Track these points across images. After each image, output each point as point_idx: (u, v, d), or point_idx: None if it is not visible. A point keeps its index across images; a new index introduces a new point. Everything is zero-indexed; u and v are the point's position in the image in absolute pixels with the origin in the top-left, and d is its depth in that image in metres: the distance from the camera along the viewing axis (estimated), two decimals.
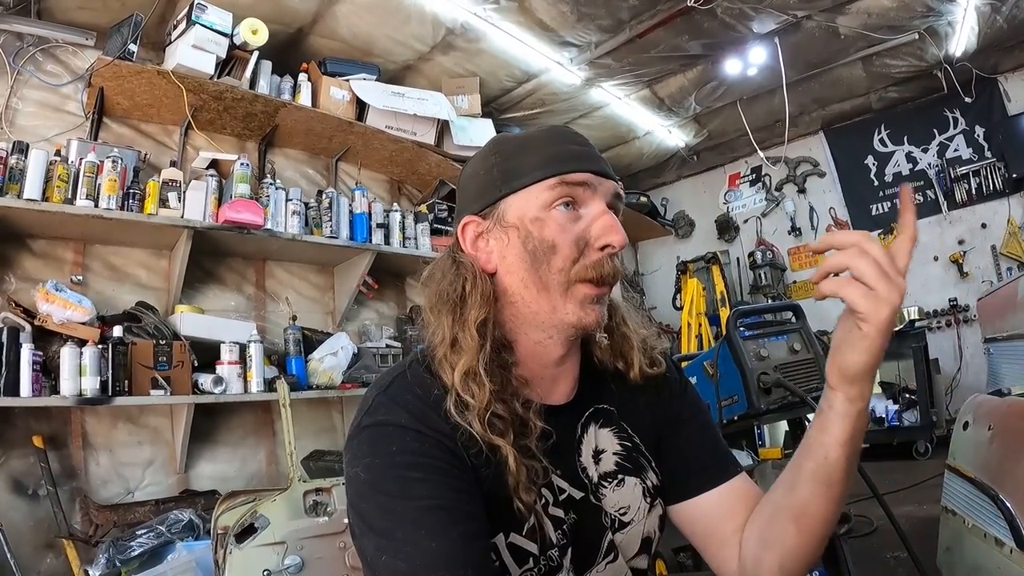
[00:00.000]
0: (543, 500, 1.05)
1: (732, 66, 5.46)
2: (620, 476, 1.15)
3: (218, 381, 3.54)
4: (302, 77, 4.47)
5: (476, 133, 5.10)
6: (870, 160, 6.82)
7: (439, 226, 4.96)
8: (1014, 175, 5.89)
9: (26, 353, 2.99)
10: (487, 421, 0.98)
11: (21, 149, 3.21)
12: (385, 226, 4.61)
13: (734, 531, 1.12)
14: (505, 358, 1.08)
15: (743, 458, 3.04)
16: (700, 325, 6.68)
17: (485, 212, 1.12)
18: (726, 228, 7.79)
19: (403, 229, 4.71)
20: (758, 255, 7.10)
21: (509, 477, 0.98)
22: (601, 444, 1.16)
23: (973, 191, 6.16)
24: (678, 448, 1.21)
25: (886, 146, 6.72)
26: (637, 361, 1.19)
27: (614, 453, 1.17)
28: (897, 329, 5.54)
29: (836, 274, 0.87)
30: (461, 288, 1.10)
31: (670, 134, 6.99)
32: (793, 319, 2.83)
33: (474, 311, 1.07)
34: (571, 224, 1.06)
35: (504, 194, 1.09)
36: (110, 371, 3.19)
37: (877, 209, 6.78)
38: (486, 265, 1.11)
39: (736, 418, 2.49)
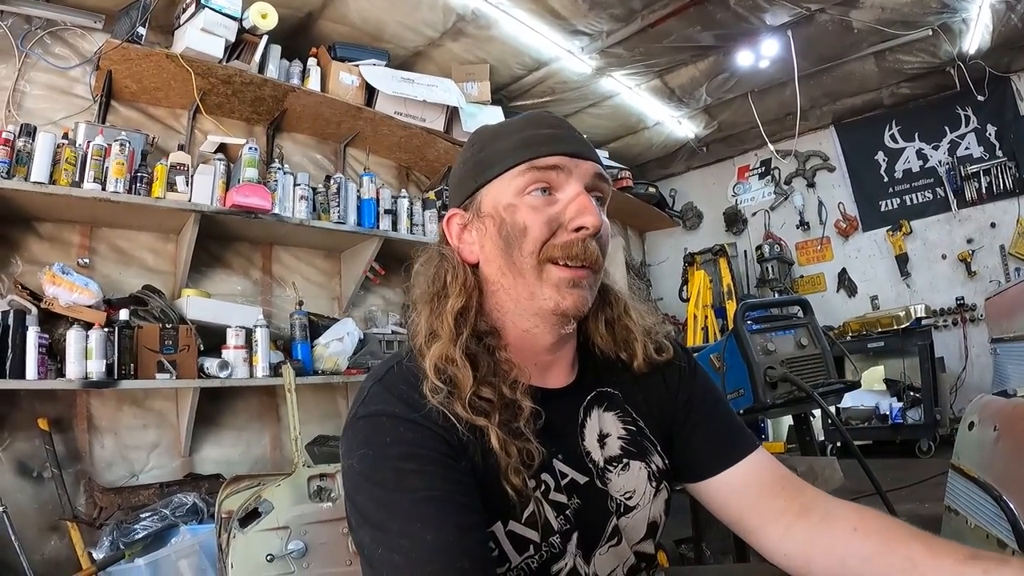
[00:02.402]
0: (543, 486, 1.05)
1: (744, 58, 5.43)
2: (625, 460, 1.15)
3: (224, 365, 3.54)
4: (311, 62, 4.45)
5: (485, 120, 5.04)
6: (880, 156, 6.76)
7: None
8: None
9: (32, 336, 3.00)
10: (469, 403, 0.98)
11: (29, 132, 3.21)
12: (393, 212, 4.62)
13: (765, 518, 1.11)
14: (490, 343, 1.07)
15: None
16: (706, 317, 6.66)
17: (466, 204, 1.13)
18: (734, 220, 7.75)
19: (411, 215, 4.71)
20: (766, 248, 7.08)
21: (497, 459, 0.98)
22: (606, 428, 1.16)
23: (983, 190, 6.11)
24: (692, 430, 1.21)
25: (897, 142, 6.67)
26: (640, 352, 1.19)
27: (619, 437, 1.16)
28: (903, 327, 5.53)
29: None
30: (443, 280, 1.11)
31: (680, 125, 6.95)
32: (800, 314, 2.83)
33: (451, 300, 1.07)
34: (545, 207, 1.05)
35: (480, 184, 1.10)
36: (116, 354, 3.20)
37: (886, 205, 6.73)
38: (468, 256, 1.12)
39: (742, 412, 2.49)
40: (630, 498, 1.14)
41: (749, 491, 1.13)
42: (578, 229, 1.04)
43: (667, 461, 1.20)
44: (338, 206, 4.32)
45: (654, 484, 1.17)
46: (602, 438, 1.15)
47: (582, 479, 1.10)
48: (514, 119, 1.17)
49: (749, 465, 1.15)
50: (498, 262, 1.07)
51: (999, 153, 6.07)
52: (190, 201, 3.61)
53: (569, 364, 1.17)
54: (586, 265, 1.05)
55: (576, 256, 1.03)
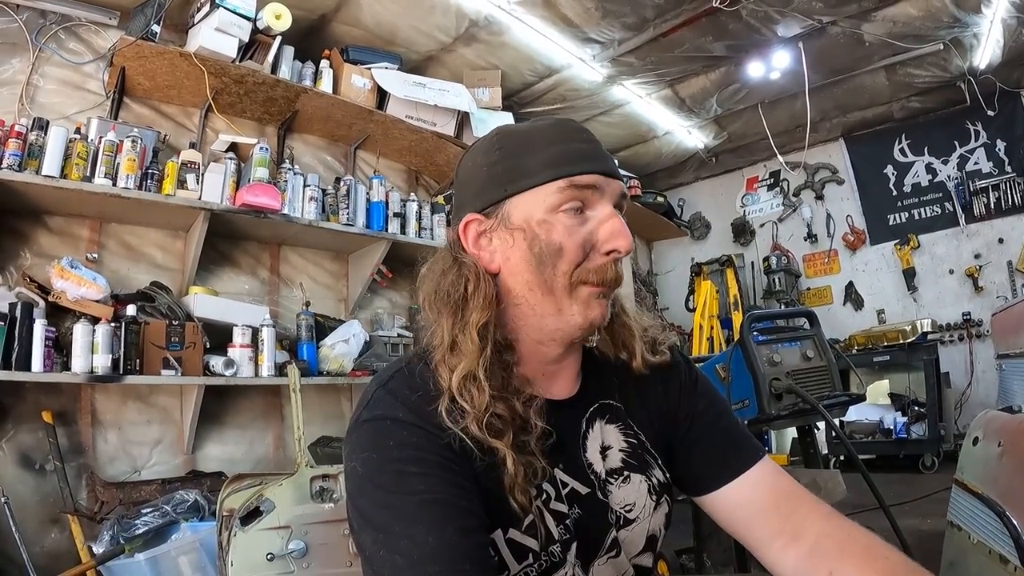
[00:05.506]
0: (544, 495, 1.05)
1: (755, 69, 5.42)
2: (626, 473, 1.15)
3: (229, 364, 3.55)
4: (324, 64, 4.46)
5: (496, 126, 5.07)
6: (889, 169, 6.75)
7: None
8: None
9: (39, 329, 3.01)
10: (485, 423, 0.97)
11: (41, 126, 3.23)
12: (402, 215, 4.62)
13: (764, 536, 1.11)
14: (506, 359, 1.06)
15: None
16: (712, 328, 6.66)
17: (488, 211, 1.09)
18: (742, 231, 7.74)
19: (419, 219, 4.71)
20: (773, 260, 7.06)
21: (506, 477, 0.97)
22: (608, 440, 1.15)
23: (992, 205, 6.09)
24: (693, 444, 1.20)
25: (906, 156, 6.65)
26: (639, 350, 1.18)
27: (620, 450, 1.16)
28: (909, 341, 5.51)
29: None
30: (463, 289, 1.07)
31: (690, 135, 6.95)
32: (807, 326, 2.82)
33: (475, 314, 1.04)
34: (578, 227, 1.03)
35: (509, 194, 1.06)
36: (122, 349, 3.21)
37: (894, 219, 6.72)
38: (488, 265, 1.09)
39: (746, 423, 2.47)
40: (630, 511, 1.13)
41: (748, 507, 1.13)
42: (609, 252, 1.03)
43: (668, 475, 1.19)
44: (347, 208, 4.32)
45: (654, 498, 1.16)
46: (604, 450, 1.15)
47: (583, 490, 1.10)
48: (540, 125, 1.13)
49: (749, 480, 1.14)
50: (525, 277, 1.05)
51: (1008, 168, 6.06)
52: (200, 199, 3.63)
53: (574, 374, 1.17)
54: (613, 286, 1.06)
55: (608, 280, 1.04)
